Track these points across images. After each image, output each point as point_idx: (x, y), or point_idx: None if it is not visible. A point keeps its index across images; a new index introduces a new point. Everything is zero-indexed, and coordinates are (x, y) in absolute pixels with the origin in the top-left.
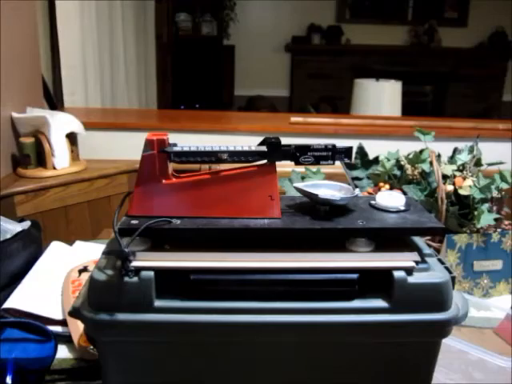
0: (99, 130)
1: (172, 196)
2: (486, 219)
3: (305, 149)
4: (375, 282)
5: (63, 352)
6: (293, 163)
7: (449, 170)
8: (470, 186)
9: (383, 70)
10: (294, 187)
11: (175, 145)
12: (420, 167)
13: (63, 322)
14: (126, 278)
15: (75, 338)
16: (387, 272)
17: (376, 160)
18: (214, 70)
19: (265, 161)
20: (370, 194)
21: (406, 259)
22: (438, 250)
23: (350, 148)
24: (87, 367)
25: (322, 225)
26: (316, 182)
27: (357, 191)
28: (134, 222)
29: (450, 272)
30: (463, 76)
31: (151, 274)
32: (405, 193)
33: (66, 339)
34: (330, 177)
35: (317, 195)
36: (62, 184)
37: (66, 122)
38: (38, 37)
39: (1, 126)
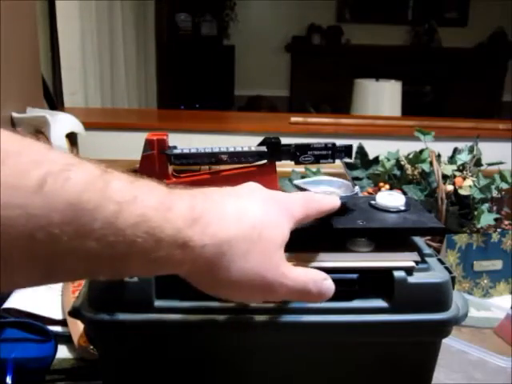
0: (99, 130)
1: None
2: (486, 219)
3: (305, 148)
4: (375, 282)
5: (63, 352)
6: (293, 163)
7: (449, 170)
8: (470, 186)
9: (383, 70)
10: (294, 184)
11: (175, 147)
12: (420, 167)
13: (63, 322)
14: (127, 278)
15: (75, 338)
16: (387, 272)
17: (376, 160)
18: (213, 69)
19: (265, 161)
20: (370, 193)
21: (406, 259)
22: (438, 250)
23: (350, 146)
24: (87, 367)
25: (322, 225)
26: (316, 179)
27: (356, 188)
28: None
29: (450, 272)
30: (463, 76)
31: None
32: (405, 193)
33: (66, 339)
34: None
35: None
36: None
37: (66, 122)
38: (38, 37)
39: (1, 126)
